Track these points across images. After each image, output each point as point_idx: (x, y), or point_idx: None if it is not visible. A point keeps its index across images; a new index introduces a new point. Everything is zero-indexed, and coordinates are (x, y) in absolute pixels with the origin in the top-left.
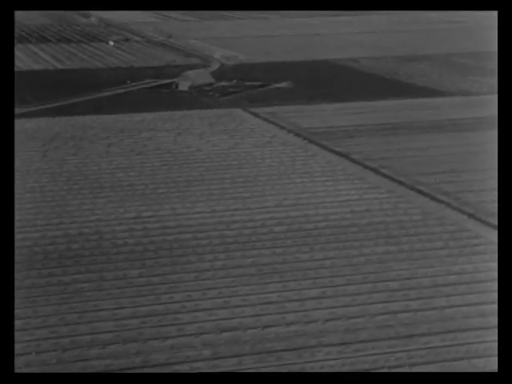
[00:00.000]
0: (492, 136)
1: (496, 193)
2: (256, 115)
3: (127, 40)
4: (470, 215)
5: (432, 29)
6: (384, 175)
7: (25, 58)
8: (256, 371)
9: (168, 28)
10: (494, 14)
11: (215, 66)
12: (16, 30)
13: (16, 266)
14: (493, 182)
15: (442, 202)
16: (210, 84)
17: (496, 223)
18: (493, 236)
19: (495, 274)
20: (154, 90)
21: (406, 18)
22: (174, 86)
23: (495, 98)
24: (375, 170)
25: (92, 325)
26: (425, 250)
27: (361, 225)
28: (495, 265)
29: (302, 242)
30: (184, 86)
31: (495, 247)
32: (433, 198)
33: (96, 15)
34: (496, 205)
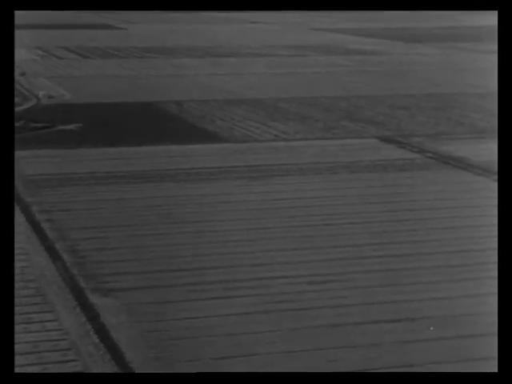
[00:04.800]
0: (208, 188)
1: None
2: None
3: None
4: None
5: (306, 72)
6: (40, 231)
7: None
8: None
9: (35, 66)
10: (385, 57)
11: (27, 105)
12: None
13: None
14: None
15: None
16: None
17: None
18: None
19: None
20: None
21: (288, 60)
22: None
23: (276, 144)
24: (37, 225)
25: None
26: None
27: None
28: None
29: None
30: None
31: None
32: (57, 259)
33: None
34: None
